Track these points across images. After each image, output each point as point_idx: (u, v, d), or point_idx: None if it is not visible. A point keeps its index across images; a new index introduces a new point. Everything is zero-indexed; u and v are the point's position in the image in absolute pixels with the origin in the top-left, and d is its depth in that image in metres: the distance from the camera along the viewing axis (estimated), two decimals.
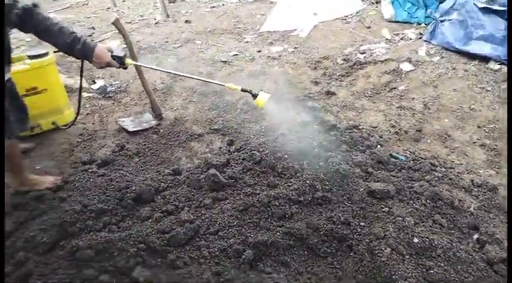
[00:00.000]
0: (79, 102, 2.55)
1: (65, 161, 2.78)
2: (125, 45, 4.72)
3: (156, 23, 5.99)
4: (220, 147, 2.90)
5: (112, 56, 2.15)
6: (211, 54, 4.63)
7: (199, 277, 1.71)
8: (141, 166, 2.70)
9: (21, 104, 2.45)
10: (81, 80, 2.52)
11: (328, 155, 2.48)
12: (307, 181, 2.27)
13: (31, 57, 2.95)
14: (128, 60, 2.23)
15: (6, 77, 2.23)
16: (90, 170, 2.58)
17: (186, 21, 5.90)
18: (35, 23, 1.95)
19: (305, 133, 2.79)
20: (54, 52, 2.93)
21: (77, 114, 2.62)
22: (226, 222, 2.07)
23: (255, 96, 2.17)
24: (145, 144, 2.96)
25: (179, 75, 2.38)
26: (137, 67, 3.04)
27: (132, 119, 3.29)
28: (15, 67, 2.70)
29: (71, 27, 2.09)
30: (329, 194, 2.22)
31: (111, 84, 3.90)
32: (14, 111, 2.34)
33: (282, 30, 5.14)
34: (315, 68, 4.10)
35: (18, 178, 2.43)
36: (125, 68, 2.29)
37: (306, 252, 1.92)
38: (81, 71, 2.43)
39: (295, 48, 4.63)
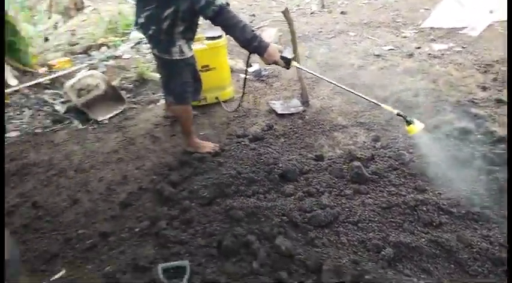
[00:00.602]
0: (244, 87, 2.83)
1: (222, 132, 3.14)
2: (281, 33, 5.02)
3: (311, 13, 6.14)
4: (365, 142, 2.85)
5: (281, 56, 2.30)
6: (364, 46, 4.54)
7: (336, 261, 1.75)
8: (286, 147, 2.85)
9: (198, 78, 2.86)
10: (246, 71, 2.80)
11: (493, 169, 2.22)
12: (463, 193, 2.09)
13: (208, 38, 3.39)
14: (294, 63, 2.36)
15: (191, 53, 2.63)
16: (242, 143, 2.87)
17: (342, 13, 5.89)
18: (225, 19, 2.21)
19: (465, 141, 2.53)
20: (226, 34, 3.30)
21: (242, 97, 2.96)
22: (367, 216, 2.06)
23: (409, 122, 2.06)
24: (291, 127, 3.12)
25: (340, 87, 2.43)
26: (296, 56, 3.19)
27: (282, 102, 3.49)
28: (195, 46, 3.13)
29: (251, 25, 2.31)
30: (488, 211, 1.99)
31: (265, 69, 4.18)
32: (193, 83, 2.76)
33: (448, 27, 4.69)
34: (485, 72, 3.63)
35: (188, 139, 2.86)
36: (288, 68, 2.42)
37: (452, 265, 1.77)
38: (248, 61, 2.68)
39: (463, 47, 4.17)
